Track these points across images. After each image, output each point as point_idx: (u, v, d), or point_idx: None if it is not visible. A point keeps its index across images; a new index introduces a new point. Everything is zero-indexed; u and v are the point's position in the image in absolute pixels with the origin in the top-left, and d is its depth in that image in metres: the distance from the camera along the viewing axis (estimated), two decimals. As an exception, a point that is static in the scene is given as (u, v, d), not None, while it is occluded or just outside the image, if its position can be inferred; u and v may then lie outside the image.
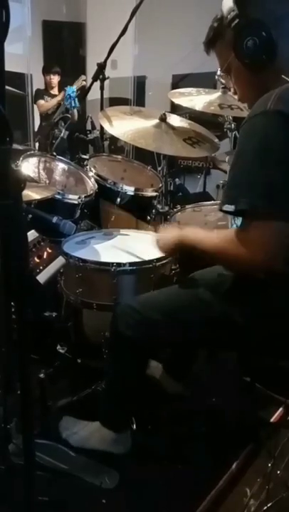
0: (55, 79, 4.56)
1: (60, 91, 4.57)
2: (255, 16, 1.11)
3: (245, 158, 1.08)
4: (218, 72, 1.32)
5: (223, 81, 1.33)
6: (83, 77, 2.59)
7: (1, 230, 0.74)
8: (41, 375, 1.61)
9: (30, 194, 1.61)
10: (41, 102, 4.50)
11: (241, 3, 1.12)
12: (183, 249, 1.34)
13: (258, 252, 1.06)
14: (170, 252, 1.41)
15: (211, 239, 1.23)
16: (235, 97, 1.32)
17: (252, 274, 1.14)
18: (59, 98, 4.35)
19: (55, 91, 4.61)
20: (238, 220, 1.29)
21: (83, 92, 2.44)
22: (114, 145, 4.24)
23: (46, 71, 4.56)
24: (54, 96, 4.58)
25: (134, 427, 1.59)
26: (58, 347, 1.86)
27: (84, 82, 2.52)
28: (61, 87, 4.57)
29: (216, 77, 1.35)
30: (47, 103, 4.49)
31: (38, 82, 4.67)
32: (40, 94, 4.58)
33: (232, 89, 1.30)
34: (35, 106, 4.65)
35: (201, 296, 1.33)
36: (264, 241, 1.05)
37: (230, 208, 1.07)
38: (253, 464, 1.52)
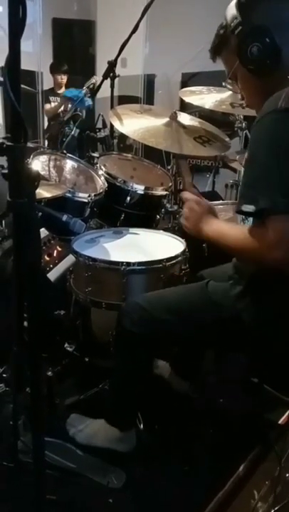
0: (64, 79, 4.55)
1: (67, 88, 4.59)
2: (258, 22, 1.12)
3: (260, 157, 1.08)
4: (223, 83, 1.33)
5: (230, 87, 1.33)
6: (95, 77, 2.58)
7: (15, 228, 0.74)
8: (49, 373, 1.61)
9: (41, 192, 1.61)
10: (47, 106, 4.52)
11: (244, 10, 1.13)
12: (206, 241, 1.32)
13: (277, 248, 1.04)
14: (193, 235, 1.33)
15: (235, 235, 1.20)
16: (244, 102, 1.31)
17: (273, 270, 1.12)
18: (62, 103, 4.37)
19: (62, 90, 4.62)
20: (249, 221, 1.28)
21: (93, 90, 2.44)
22: (123, 143, 4.23)
23: (55, 71, 4.54)
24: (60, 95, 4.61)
25: (142, 426, 1.59)
26: (66, 345, 1.86)
27: (94, 80, 2.50)
28: (69, 85, 4.58)
29: (223, 84, 1.35)
30: (52, 107, 4.50)
31: (48, 80, 4.66)
32: (47, 95, 4.60)
33: (240, 95, 1.31)
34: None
35: (211, 295, 1.32)
36: (283, 236, 1.03)
37: (250, 208, 1.06)
38: (260, 467, 1.50)
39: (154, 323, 1.34)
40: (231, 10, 1.15)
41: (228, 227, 1.29)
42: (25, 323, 0.86)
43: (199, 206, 1.33)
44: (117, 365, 1.51)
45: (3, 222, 1.52)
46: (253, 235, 1.10)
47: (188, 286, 1.41)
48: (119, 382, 1.51)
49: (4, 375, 1.53)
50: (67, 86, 4.61)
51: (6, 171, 0.72)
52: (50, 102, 4.58)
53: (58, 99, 4.61)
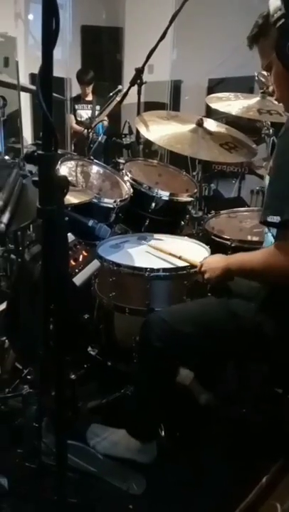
0: (89, 89, 4.65)
1: (94, 94, 4.66)
2: None
3: (288, 167, 1.06)
4: (256, 73, 1.31)
5: (263, 79, 1.32)
6: (120, 87, 2.62)
7: (44, 234, 0.76)
8: (72, 377, 1.62)
9: (68, 198, 1.63)
10: (73, 122, 4.68)
11: None
12: (230, 276, 1.33)
13: None
14: (218, 281, 1.37)
15: (256, 257, 1.23)
16: (274, 98, 1.30)
17: None
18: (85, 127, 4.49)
19: (89, 97, 4.71)
20: (273, 230, 1.27)
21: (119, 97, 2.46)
22: (149, 149, 4.24)
23: (80, 81, 4.65)
24: (88, 103, 4.70)
25: (163, 433, 1.58)
26: (89, 349, 1.87)
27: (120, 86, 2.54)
28: (96, 92, 4.67)
29: (256, 74, 1.34)
30: (77, 128, 4.66)
31: (76, 86, 4.76)
32: (74, 103, 4.70)
33: (270, 88, 1.29)
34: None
35: (234, 308, 1.32)
36: None
37: (276, 219, 1.06)
38: (284, 479, 1.47)
39: (176, 336, 1.34)
40: (276, 1, 1.11)
41: (247, 253, 1.31)
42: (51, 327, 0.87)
43: (211, 257, 1.45)
44: (140, 378, 1.50)
45: (31, 226, 1.56)
46: (279, 250, 1.09)
47: (209, 298, 1.42)
48: (141, 395, 1.51)
49: (28, 377, 1.56)
50: (94, 93, 4.69)
51: (36, 179, 0.74)
52: (75, 114, 4.70)
53: (84, 106, 4.70)
